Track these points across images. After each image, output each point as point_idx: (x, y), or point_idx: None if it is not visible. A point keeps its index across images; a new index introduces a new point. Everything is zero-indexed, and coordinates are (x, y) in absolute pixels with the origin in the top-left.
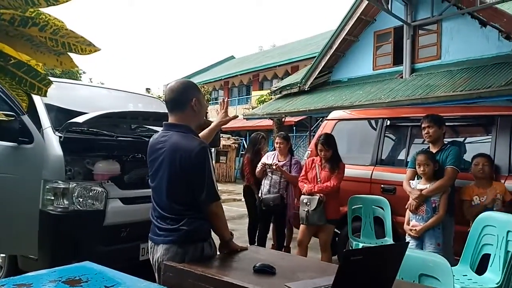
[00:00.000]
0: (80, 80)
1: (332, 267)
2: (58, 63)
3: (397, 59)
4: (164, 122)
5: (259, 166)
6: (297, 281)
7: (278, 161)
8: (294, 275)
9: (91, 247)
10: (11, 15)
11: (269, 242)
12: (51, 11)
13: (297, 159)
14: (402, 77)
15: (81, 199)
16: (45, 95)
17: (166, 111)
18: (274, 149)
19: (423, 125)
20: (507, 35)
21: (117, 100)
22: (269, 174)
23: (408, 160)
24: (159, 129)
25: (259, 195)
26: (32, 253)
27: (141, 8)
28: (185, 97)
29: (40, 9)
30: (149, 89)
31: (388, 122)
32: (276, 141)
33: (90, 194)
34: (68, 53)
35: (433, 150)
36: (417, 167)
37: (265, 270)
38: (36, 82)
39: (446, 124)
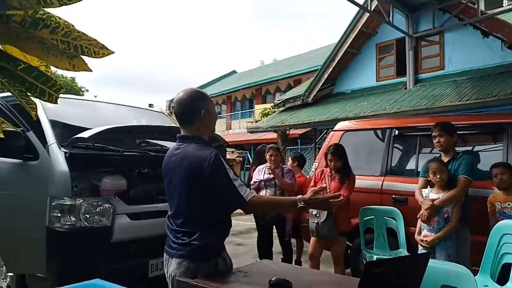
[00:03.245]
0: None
1: (349, 280)
2: (70, 66)
3: (400, 70)
4: (177, 135)
5: (253, 182)
6: None
7: (269, 173)
8: None
9: (99, 264)
10: (22, 16)
11: (279, 256)
12: (60, 13)
13: (288, 167)
14: (406, 88)
15: (88, 216)
16: (56, 102)
17: (170, 124)
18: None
19: (433, 134)
20: (510, 45)
21: (122, 115)
22: (263, 189)
23: (419, 169)
24: (165, 143)
25: None
26: (40, 271)
27: (142, 24)
28: (194, 110)
29: (51, 11)
30: (152, 105)
31: (397, 132)
32: (269, 153)
33: (97, 210)
34: (81, 56)
35: (445, 159)
36: (431, 175)
37: (281, 285)
38: (46, 88)
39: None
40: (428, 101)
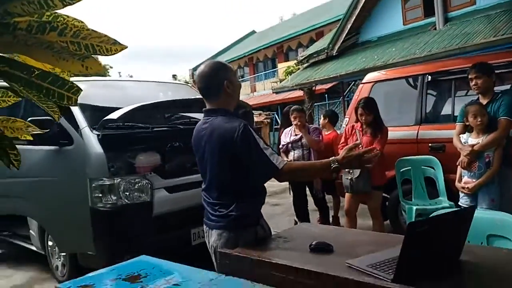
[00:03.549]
0: (108, 75)
1: (392, 238)
2: (83, 68)
3: (428, 10)
4: (203, 109)
5: (281, 146)
6: (358, 258)
7: (295, 135)
8: (353, 251)
9: (143, 238)
10: (27, 22)
11: (316, 213)
12: (69, 11)
13: (314, 126)
14: (435, 29)
15: (128, 193)
16: (75, 104)
17: (195, 96)
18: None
19: (470, 76)
20: None
21: (147, 91)
22: (291, 151)
23: (455, 114)
24: (193, 115)
25: None
26: (89, 249)
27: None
28: (216, 82)
29: (57, 11)
30: (176, 75)
31: (429, 78)
32: (293, 115)
33: (136, 187)
34: (93, 55)
35: (483, 101)
36: (471, 118)
37: (322, 248)
38: (64, 91)
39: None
40: (460, 40)
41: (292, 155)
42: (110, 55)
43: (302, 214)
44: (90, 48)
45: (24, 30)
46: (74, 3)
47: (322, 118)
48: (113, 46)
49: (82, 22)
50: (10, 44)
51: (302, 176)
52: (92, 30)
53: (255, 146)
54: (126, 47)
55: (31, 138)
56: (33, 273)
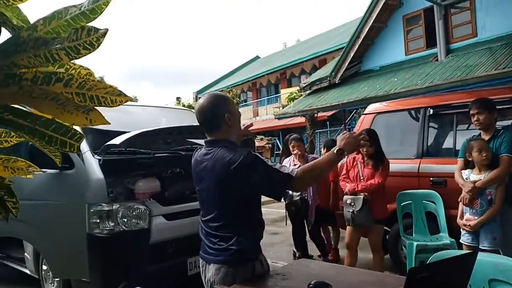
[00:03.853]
0: None
1: (393, 280)
2: (88, 121)
3: (430, 42)
4: (205, 140)
5: None
6: None
7: (295, 164)
8: None
9: (140, 266)
10: (33, 73)
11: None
12: None
13: (314, 156)
14: (437, 60)
15: (125, 220)
16: (78, 151)
17: (198, 123)
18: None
19: (471, 112)
20: None
21: (151, 116)
22: None
23: (457, 148)
24: (195, 141)
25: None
26: (84, 276)
27: (165, 17)
28: (216, 116)
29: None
30: (179, 98)
31: (431, 111)
32: (291, 145)
33: (134, 213)
34: (97, 108)
35: (485, 137)
36: (476, 154)
37: None
38: (67, 139)
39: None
40: (462, 72)
41: None
42: (114, 106)
43: (300, 245)
44: (95, 100)
45: (29, 81)
46: (80, 58)
47: (322, 147)
48: (118, 98)
49: (88, 69)
50: (15, 95)
51: (315, 174)
52: (98, 80)
53: (265, 165)
54: (131, 99)
55: (31, 176)
56: None
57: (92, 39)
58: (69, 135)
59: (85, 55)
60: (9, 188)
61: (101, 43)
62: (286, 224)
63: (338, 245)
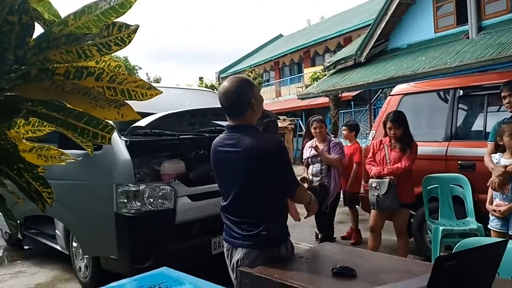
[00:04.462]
0: (137, 75)
1: (417, 266)
2: (119, 116)
3: (461, 18)
4: (226, 125)
5: (303, 159)
6: (382, 286)
7: (316, 146)
8: (377, 278)
9: (165, 245)
10: (65, 68)
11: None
12: None
13: (337, 141)
14: (468, 37)
15: (152, 200)
16: (109, 142)
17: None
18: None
19: (503, 94)
20: None
21: (175, 98)
22: (311, 164)
23: (487, 131)
24: (219, 122)
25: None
26: (112, 253)
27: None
28: (242, 101)
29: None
30: (202, 78)
31: (461, 92)
32: (313, 126)
33: (160, 194)
34: (127, 101)
35: None
36: (507, 138)
37: (345, 273)
38: (98, 130)
39: None
40: (494, 51)
41: (311, 169)
42: (145, 99)
43: (324, 227)
44: (126, 93)
45: (62, 76)
46: (111, 53)
47: (344, 130)
48: (148, 91)
49: (118, 61)
50: (48, 90)
51: (302, 197)
52: (128, 74)
53: (288, 163)
54: (161, 92)
55: (64, 163)
56: (57, 272)
57: (123, 35)
58: (100, 127)
59: (116, 51)
60: (44, 179)
61: (132, 39)
62: None
63: (360, 226)
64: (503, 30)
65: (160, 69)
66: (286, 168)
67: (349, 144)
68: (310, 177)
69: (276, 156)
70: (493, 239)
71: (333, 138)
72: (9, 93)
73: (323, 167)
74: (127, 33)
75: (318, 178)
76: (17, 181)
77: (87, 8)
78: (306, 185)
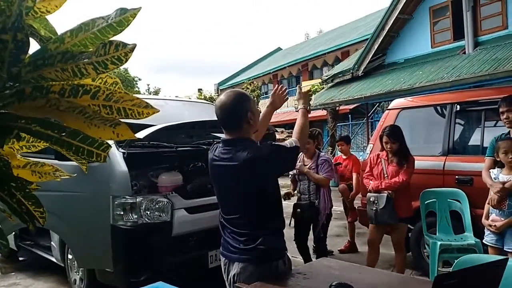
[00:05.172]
0: (137, 86)
1: (416, 282)
2: (115, 135)
3: (458, 34)
4: (222, 139)
5: (290, 175)
6: None
7: (304, 164)
8: None
9: (161, 258)
10: (60, 85)
11: (336, 241)
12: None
13: (325, 157)
14: (465, 53)
15: (148, 212)
16: (104, 161)
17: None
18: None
19: (501, 109)
20: None
21: (173, 110)
22: (298, 181)
23: (485, 145)
24: (216, 135)
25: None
26: (107, 266)
27: (187, 8)
28: (238, 115)
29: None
30: (201, 89)
31: (458, 107)
32: None
33: (157, 206)
34: (123, 121)
35: None
36: (502, 155)
37: None
38: (94, 149)
39: None
40: (491, 66)
41: (299, 186)
42: (141, 118)
43: (302, 249)
44: (122, 112)
45: (57, 93)
46: (108, 72)
47: (341, 145)
48: (144, 110)
49: (115, 78)
50: (43, 108)
51: (304, 132)
52: (125, 92)
53: (277, 144)
54: (158, 111)
55: (59, 180)
56: (52, 285)
57: (120, 54)
58: (95, 145)
59: (112, 70)
60: (37, 199)
61: (129, 58)
62: (290, 225)
63: (356, 240)
64: (499, 45)
65: (161, 80)
66: (282, 146)
67: (344, 157)
68: (298, 194)
69: (270, 156)
70: (493, 257)
71: (322, 154)
72: (2, 111)
73: (311, 185)
74: (124, 52)
75: (306, 196)
76: (8, 202)
77: (84, 26)
78: (287, 202)
